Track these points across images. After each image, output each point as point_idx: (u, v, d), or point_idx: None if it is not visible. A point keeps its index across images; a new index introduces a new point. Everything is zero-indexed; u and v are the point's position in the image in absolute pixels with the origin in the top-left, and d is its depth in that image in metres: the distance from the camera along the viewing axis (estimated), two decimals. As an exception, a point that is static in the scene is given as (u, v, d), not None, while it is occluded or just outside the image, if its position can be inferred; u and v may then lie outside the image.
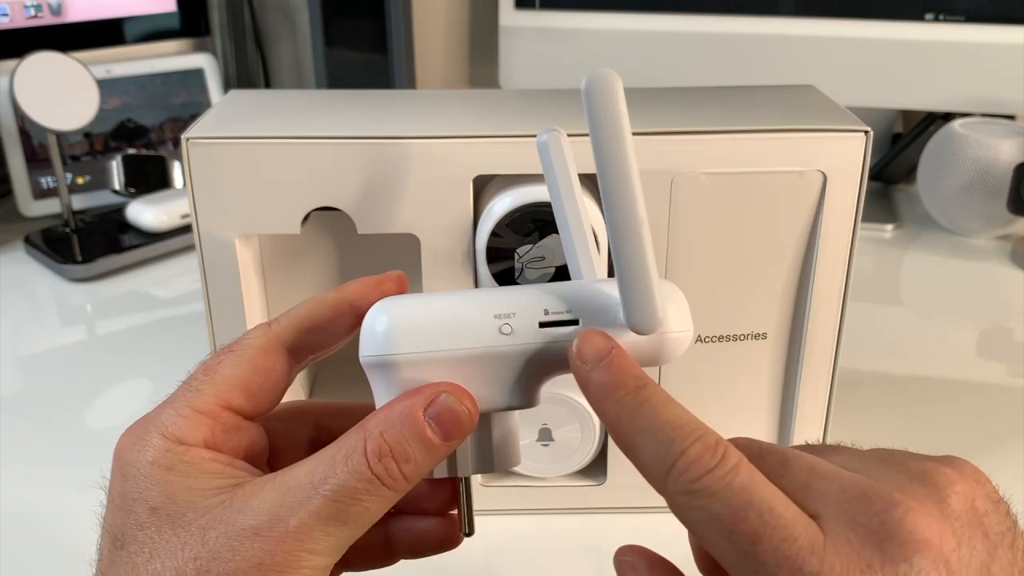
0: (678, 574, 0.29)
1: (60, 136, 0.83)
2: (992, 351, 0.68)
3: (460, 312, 0.29)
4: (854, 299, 0.46)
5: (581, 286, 0.31)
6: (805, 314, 0.46)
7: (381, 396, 0.30)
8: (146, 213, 0.84)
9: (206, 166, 0.43)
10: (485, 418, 0.30)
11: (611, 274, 0.30)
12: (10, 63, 0.79)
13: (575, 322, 0.30)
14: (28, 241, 0.84)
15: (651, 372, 0.47)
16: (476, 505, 0.46)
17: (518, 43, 0.93)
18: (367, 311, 0.30)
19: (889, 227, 0.89)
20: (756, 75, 0.87)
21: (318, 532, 0.27)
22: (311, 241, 0.52)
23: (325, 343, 0.32)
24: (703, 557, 0.30)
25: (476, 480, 0.50)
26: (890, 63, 0.84)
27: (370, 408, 0.30)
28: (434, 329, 0.29)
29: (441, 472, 0.31)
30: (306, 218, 0.44)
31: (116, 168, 0.90)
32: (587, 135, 0.28)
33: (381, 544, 0.33)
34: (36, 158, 0.89)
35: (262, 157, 0.43)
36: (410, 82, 0.96)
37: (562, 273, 0.43)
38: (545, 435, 0.48)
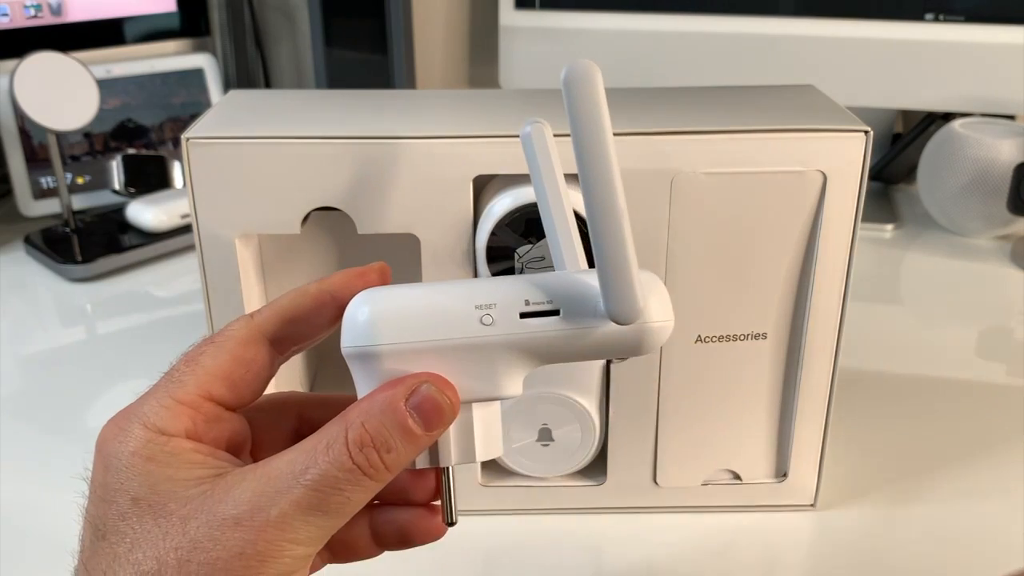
0: None
1: (60, 136, 0.83)
2: (992, 351, 0.68)
3: (441, 303, 0.30)
4: (854, 299, 0.46)
5: (562, 276, 0.31)
6: (805, 314, 0.46)
7: (363, 387, 0.30)
8: (146, 213, 0.84)
9: (206, 166, 0.43)
10: (467, 408, 0.31)
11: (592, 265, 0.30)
12: (10, 63, 0.79)
13: (556, 312, 0.30)
14: (28, 241, 0.84)
15: (650, 372, 0.47)
16: (476, 506, 0.46)
17: (518, 43, 0.93)
18: (349, 302, 0.30)
19: (889, 227, 0.89)
20: (756, 75, 0.87)
21: (299, 522, 0.27)
22: (311, 241, 0.52)
23: (308, 334, 0.32)
24: None
25: (476, 481, 0.50)
26: (890, 63, 0.84)
27: (352, 400, 0.30)
28: (415, 320, 0.29)
29: (423, 462, 0.31)
30: (306, 218, 0.44)
31: (116, 168, 0.90)
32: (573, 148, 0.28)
33: (365, 536, 0.33)
34: (36, 158, 0.89)
35: (262, 157, 0.43)
36: (410, 82, 0.96)
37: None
38: (545, 435, 0.48)
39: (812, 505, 0.50)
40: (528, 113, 0.49)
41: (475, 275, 0.45)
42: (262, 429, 0.33)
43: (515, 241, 0.43)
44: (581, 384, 0.47)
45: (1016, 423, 0.58)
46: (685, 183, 0.43)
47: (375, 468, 0.28)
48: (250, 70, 1.05)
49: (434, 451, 0.31)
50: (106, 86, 0.89)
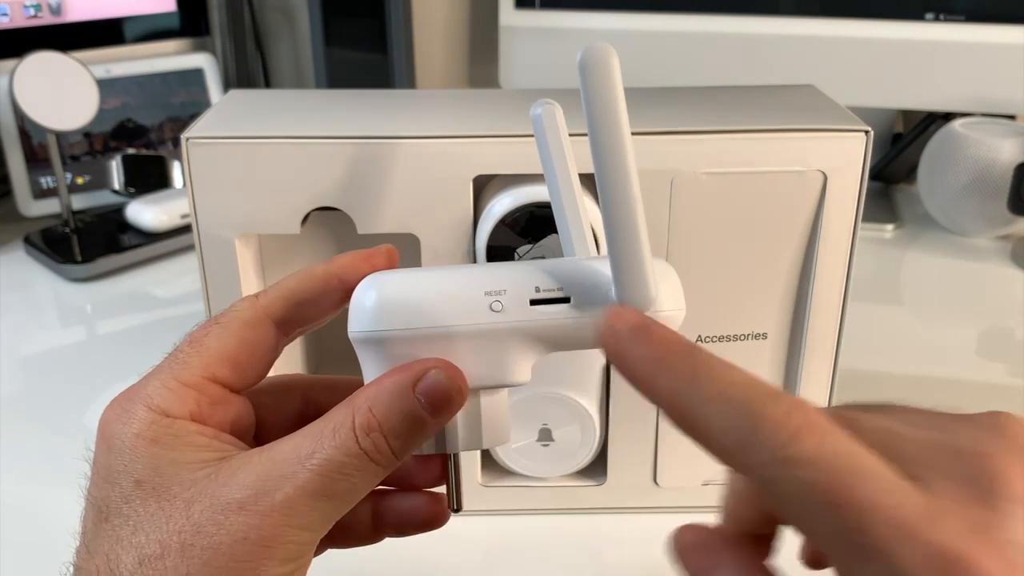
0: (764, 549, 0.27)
1: (60, 136, 0.83)
2: (992, 351, 0.68)
3: (450, 289, 0.29)
4: (854, 299, 0.46)
5: (573, 263, 0.31)
6: (805, 314, 0.46)
7: (370, 371, 0.30)
8: (146, 213, 0.84)
9: (206, 166, 0.43)
10: (475, 395, 0.30)
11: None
12: (10, 63, 0.79)
13: (566, 300, 0.29)
14: (28, 241, 0.84)
15: (651, 372, 0.47)
16: (476, 506, 0.46)
17: (518, 43, 0.93)
18: (356, 285, 0.30)
19: (889, 227, 0.89)
20: (756, 75, 0.87)
21: (304, 507, 0.27)
22: (311, 241, 0.52)
23: (313, 316, 0.32)
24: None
25: (475, 481, 0.50)
26: (890, 63, 0.84)
27: (359, 383, 0.30)
28: (423, 305, 0.29)
29: (430, 448, 0.30)
30: (306, 218, 0.44)
31: (116, 168, 0.90)
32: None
33: (367, 521, 0.33)
34: (36, 158, 0.89)
35: (262, 157, 0.43)
36: (410, 82, 0.96)
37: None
38: (545, 435, 0.48)
39: (812, 505, 0.50)
40: (528, 113, 0.49)
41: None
42: (266, 412, 0.33)
43: (515, 241, 0.43)
44: (581, 384, 0.47)
45: (1016, 423, 0.58)
46: (685, 183, 0.43)
47: (382, 454, 0.27)
48: (250, 70, 1.05)
49: (441, 437, 0.30)
50: (106, 86, 0.89)
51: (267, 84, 1.13)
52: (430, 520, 0.33)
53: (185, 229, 0.85)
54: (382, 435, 0.27)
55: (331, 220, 0.46)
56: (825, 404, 0.48)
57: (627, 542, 0.49)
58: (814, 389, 0.47)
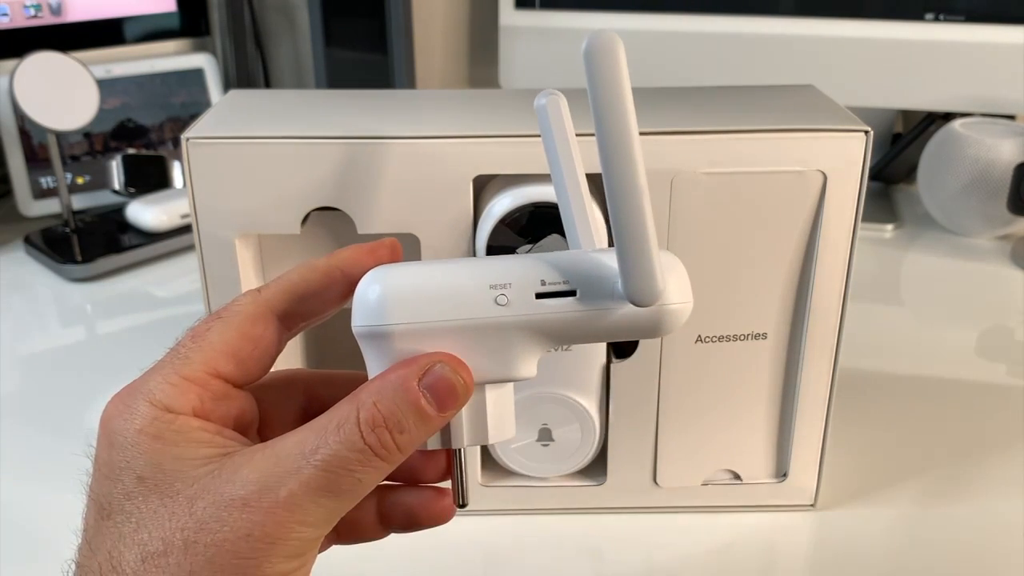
0: None
1: (60, 136, 0.83)
2: (992, 351, 0.68)
3: (455, 282, 0.29)
4: (854, 299, 0.46)
5: (579, 256, 0.30)
6: (805, 314, 0.46)
7: (374, 366, 0.30)
8: (146, 213, 0.84)
9: (206, 166, 0.43)
10: (480, 389, 0.30)
11: (611, 243, 0.29)
12: (10, 63, 0.79)
13: (572, 293, 0.29)
14: (28, 241, 0.84)
15: (650, 372, 0.47)
16: (476, 506, 0.46)
17: (518, 43, 0.93)
18: (359, 279, 0.30)
19: (889, 227, 0.89)
20: (756, 75, 0.87)
21: (308, 503, 0.26)
22: (311, 241, 0.52)
23: (316, 310, 0.32)
24: None
25: (476, 481, 0.50)
26: (890, 63, 0.84)
27: (363, 378, 0.30)
28: (428, 299, 0.29)
29: (435, 443, 0.30)
30: (306, 218, 0.44)
31: (116, 168, 0.90)
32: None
33: (372, 517, 0.33)
34: (36, 158, 0.89)
35: (262, 157, 0.43)
36: (410, 82, 0.96)
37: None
38: (545, 435, 0.48)
39: (812, 505, 0.50)
40: (528, 113, 0.49)
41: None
42: (269, 407, 0.32)
43: (515, 241, 0.43)
44: (581, 384, 0.47)
45: (1016, 423, 0.58)
46: (685, 183, 0.43)
47: (387, 449, 0.27)
48: (250, 70, 1.05)
49: (446, 432, 0.30)
50: (106, 86, 0.89)
51: (267, 84, 1.13)
52: (436, 515, 0.33)
53: (185, 229, 0.85)
54: (387, 430, 0.27)
55: (331, 220, 0.46)
56: (825, 404, 0.48)
57: (627, 542, 0.49)
58: (814, 389, 0.47)
